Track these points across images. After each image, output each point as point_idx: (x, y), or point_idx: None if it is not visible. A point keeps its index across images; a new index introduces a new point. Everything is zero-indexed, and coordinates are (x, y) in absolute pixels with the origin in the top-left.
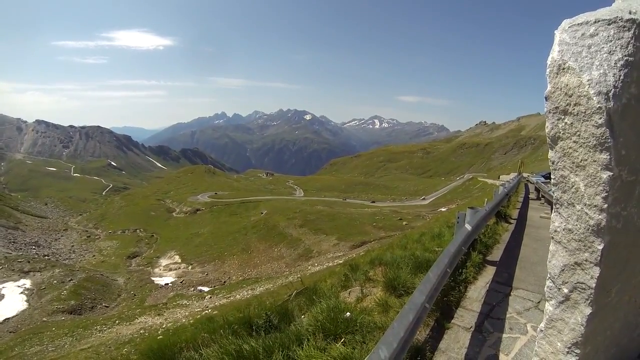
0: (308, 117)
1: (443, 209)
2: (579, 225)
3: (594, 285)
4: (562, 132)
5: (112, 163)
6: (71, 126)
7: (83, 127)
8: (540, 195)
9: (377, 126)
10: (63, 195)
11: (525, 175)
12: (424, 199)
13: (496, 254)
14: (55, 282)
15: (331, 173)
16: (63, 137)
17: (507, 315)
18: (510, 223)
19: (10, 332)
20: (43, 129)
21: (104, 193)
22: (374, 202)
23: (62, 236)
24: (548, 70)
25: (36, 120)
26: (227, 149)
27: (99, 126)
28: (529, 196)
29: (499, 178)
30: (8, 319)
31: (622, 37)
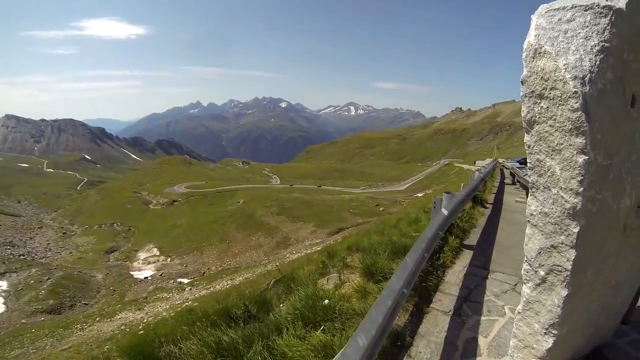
0: (283, 104)
1: (420, 195)
2: (554, 209)
3: (570, 267)
4: (538, 116)
5: (86, 156)
6: (43, 120)
7: (55, 121)
8: (515, 180)
9: (352, 113)
10: (36, 192)
11: (500, 160)
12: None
13: (473, 238)
14: (32, 282)
15: (307, 160)
16: (34, 131)
17: (485, 298)
18: (487, 208)
19: None
20: (13, 124)
21: (78, 188)
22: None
23: (37, 234)
24: (524, 54)
25: (5, 115)
26: (203, 139)
27: (71, 119)
28: (505, 181)
29: (474, 163)
30: None
31: (599, 23)
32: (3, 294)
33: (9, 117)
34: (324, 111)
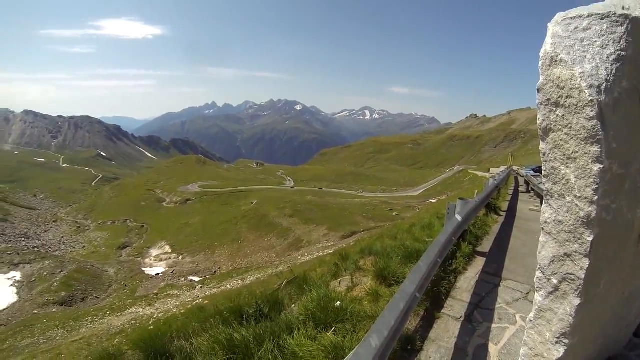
0: (299, 107)
1: (433, 200)
2: (569, 217)
3: (583, 276)
4: (553, 124)
5: (102, 153)
6: (60, 116)
7: (72, 117)
8: (529, 188)
9: (367, 117)
10: (52, 186)
11: (515, 168)
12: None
13: (486, 245)
14: (45, 274)
15: (321, 163)
16: (52, 127)
17: (497, 306)
18: (500, 215)
19: (1, 325)
20: (31, 120)
21: (93, 184)
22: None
23: (51, 227)
24: (540, 62)
25: (24, 110)
26: (217, 139)
27: (88, 116)
28: (519, 189)
29: (489, 171)
30: None
31: (615, 32)
32: (16, 285)
33: (27, 112)
34: (339, 115)
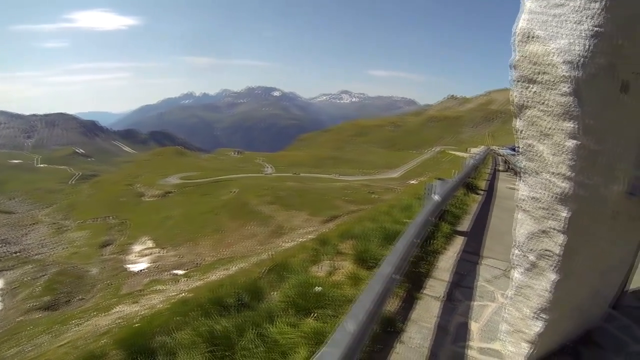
0: (276, 93)
1: (413, 182)
2: (545, 194)
3: (559, 252)
4: (528, 101)
5: (79, 150)
6: (34, 115)
7: (47, 115)
8: (508, 167)
9: (346, 101)
10: (29, 188)
11: (494, 147)
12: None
13: (465, 224)
14: (27, 279)
15: (301, 148)
16: (26, 126)
17: (477, 284)
18: (479, 194)
19: None
20: (4, 120)
21: (72, 182)
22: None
23: (31, 230)
24: (515, 38)
25: None
26: (196, 129)
27: (62, 113)
28: (498, 168)
29: (468, 151)
30: None
31: (591, 8)
32: None
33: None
34: (317, 99)
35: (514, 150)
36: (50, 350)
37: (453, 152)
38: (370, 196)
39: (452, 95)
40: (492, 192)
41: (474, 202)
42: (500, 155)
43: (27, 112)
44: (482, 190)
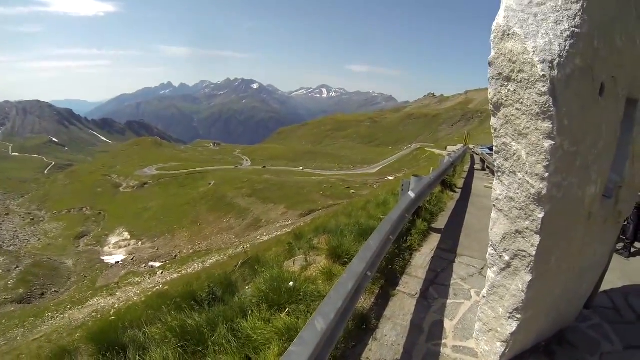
0: (255, 86)
1: (390, 178)
2: (520, 194)
3: (534, 252)
4: (504, 99)
5: (54, 139)
6: (6, 101)
7: (20, 102)
8: (485, 166)
9: (324, 95)
10: (2, 177)
11: (471, 146)
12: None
13: (441, 221)
14: (0, 271)
15: (279, 142)
16: None
17: (452, 282)
18: (456, 192)
19: None
20: None
21: (46, 172)
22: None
23: (3, 221)
24: (493, 35)
25: None
26: (173, 120)
27: (37, 100)
28: (475, 167)
29: (446, 149)
30: None
31: (570, 9)
32: None
33: None
34: (295, 93)
35: (491, 149)
36: (24, 343)
37: (431, 150)
38: (347, 191)
39: (431, 93)
40: (469, 190)
41: (451, 200)
42: (477, 154)
43: None
44: (458, 188)
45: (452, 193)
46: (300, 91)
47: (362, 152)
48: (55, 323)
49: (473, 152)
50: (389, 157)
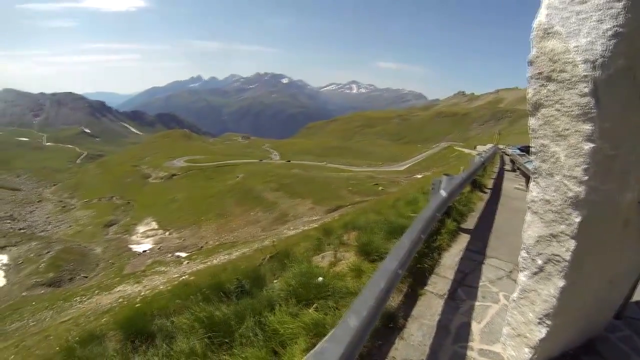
0: (285, 80)
1: (418, 176)
2: (556, 197)
3: (568, 258)
4: (544, 99)
5: (86, 130)
6: (42, 93)
7: (54, 94)
8: (515, 167)
9: (354, 91)
10: (36, 166)
11: (501, 147)
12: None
13: (470, 222)
14: (32, 255)
15: (308, 137)
16: (33, 105)
17: (480, 284)
18: (485, 192)
19: None
20: (12, 98)
21: (78, 161)
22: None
23: (37, 208)
24: (533, 33)
25: (4, 89)
26: (203, 113)
27: (70, 92)
28: (504, 167)
29: (475, 148)
30: None
31: (613, 7)
32: (3, 268)
33: (7, 90)
34: (325, 88)
35: (522, 150)
36: (52, 325)
37: (460, 149)
38: (375, 188)
39: (461, 92)
40: (499, 191)
41: (480, 200)
42: (508, 155)
43: (34, 91)
44: (488, 188)
45: (482, 193)
46: (330, 86)
47: (391, 150)
48: (83, 307)
49: (503, 152)
50: (417, 155)
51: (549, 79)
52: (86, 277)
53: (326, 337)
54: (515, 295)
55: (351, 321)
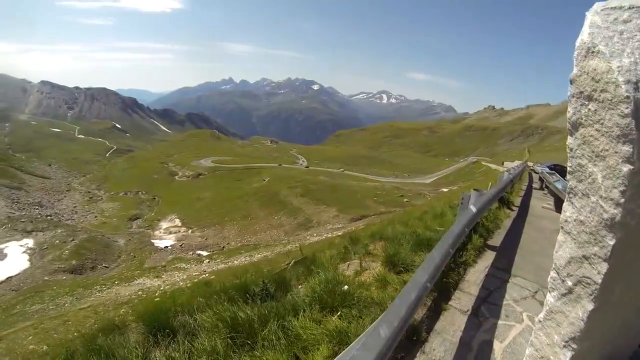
0: (316, 87)
1: (444, 189)
2: (591, 218)
3: (600, 281)
4: (584, 119)
5: (117, 125)
6: (77, 87)
7: (88, 89)
8: (544, 186)
9: (384, 101)
10: (67, 157)
11: (530, 164)
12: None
13: (497, 239)
14: (57, 242)
15: (336, 144)
16: (68, 98)
17: (504, 302)
18: (513, 210)
19: (12, 290)
20: (48, 90)
21: (107, 155)
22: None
23: (64, 197)
24: (576, 52)
25: (41, 81)
26: (233, 115)
27: (104, 88)
28: (533, 185)
29: (503, 164)
30: (10, 277)
31: None
32: (29, 251)
33: (44, 83)
34: (356, 97)
35: (551, 168)
36: (71, 311)
37: (487, 164)
38: (400, 199)
39: (491, 106)
40: (526, 209)
41: (507, 218)
42: (537, 173)
43: (70, 85)
44: (515, 206)
45: (509, 210)
46: (361, 95)
47: (419, 162)
48: (102, 296)
49: (532, 170)
50: (444, 168)
51: (589, 98)
52: (107, 267)
53: (358, 346)
54: (541, 316)
55: (383, 331)
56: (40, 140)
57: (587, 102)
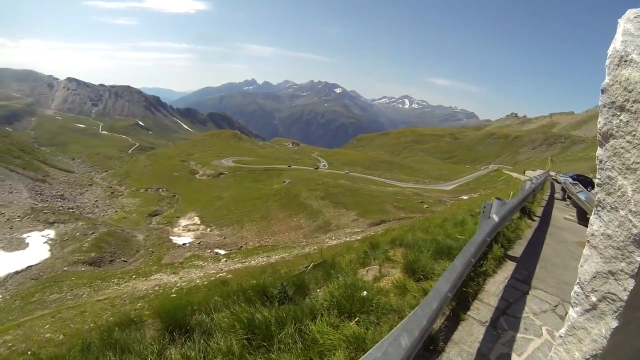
0: (338, 90)
1: (465, 197)
2: (619, 232)
3: (625, 297)
4: (615, 130)
5: (140, 122)
6: (101, 85)
7: (113, 87)
8: (566, 196)
9: (406, 106)
10: (90, 152)
11: (552, 173)
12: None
13: (517, 249)
14: (77, 234)
15: (357, 148)
16: (93, 95)
17: (523, 315)
18: (534, 220)
19: (32, 279)
20: (74, 87)
21: (130, 151)
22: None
23: (87, 191)
24: (608, 60)
25: (67, 77)
26: (255, 116)
27: (128, 86)
28: (555, 195)
29: (524, 173)
30: (31, 266)
31: None
32: (50, 242)
33: (70, 79)
34: (378, 101)
35: (573, 179)
36: (88, 302)
37: (508, 172)
38: (420, 205)
39: (514, 113)
40: (548, 220)
41: (528, 228)
42: (559, 183)
43: (95, 82)
44: (537, 216)
45: (530, 221)
46: (383, 100)
47: (439, 168)
48: (119, 289)
49: (554, 179)
50: (465, 175)
51: (622, 108)
52: (125, 261)
53: (374, 352)
54: (562, 331)
55: (404, 340)
56: (65, 135)
57: (618, 113)
